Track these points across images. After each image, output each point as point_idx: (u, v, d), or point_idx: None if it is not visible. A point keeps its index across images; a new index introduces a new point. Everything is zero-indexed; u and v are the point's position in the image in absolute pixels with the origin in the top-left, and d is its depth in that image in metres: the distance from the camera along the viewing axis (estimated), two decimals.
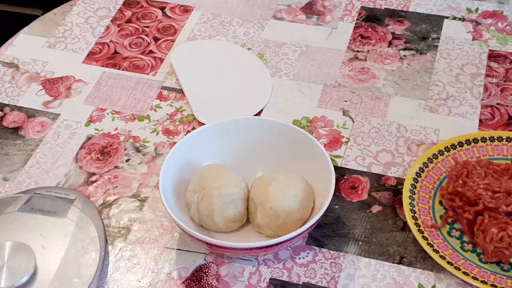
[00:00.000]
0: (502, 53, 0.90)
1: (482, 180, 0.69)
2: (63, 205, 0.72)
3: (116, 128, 0.83)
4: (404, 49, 0.91)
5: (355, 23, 0.96)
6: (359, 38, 0.94)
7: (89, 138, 0.83)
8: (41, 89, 0.89)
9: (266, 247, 0.65)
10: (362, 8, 0.98)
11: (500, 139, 0.77)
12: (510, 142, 0.77)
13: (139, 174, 0.78)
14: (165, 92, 0.87)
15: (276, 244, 0.65)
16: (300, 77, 0.89)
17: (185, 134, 0.81)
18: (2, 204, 0.72)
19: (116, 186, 0.77)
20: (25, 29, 0.98)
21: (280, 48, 0.93)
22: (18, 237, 0.69)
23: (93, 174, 0.79)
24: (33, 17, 1.01)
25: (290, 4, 0.99)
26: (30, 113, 0.86)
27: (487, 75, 0.88)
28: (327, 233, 0.72)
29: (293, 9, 0.98)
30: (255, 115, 0.83)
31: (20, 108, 0.86)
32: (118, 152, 0.81)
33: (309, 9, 0.98)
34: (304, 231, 0.66)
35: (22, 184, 0.78)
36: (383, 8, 0.97)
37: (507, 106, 0.84)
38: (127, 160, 0.80)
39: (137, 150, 0.81)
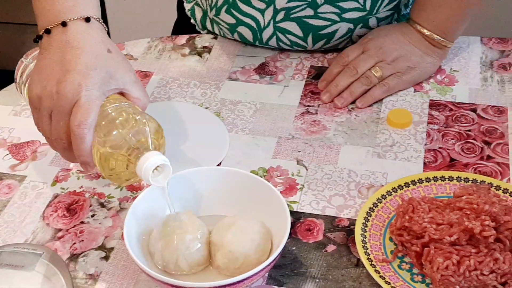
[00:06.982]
0: (441, 102, 0.97)
1: (426, 215, 0.74)
2: (31, 259, 0.75)
3: (81, 186, 0.87)
4: (352, 102, 0.98)
5: (306, 81, 1.02)
6: (310, 94, 1.00)
7: (55, 196, 0.86)
8: (8, 154, 0.92)
9: (229, 285, 0.68)
10: (312, 67, 1.05)
11: (443, 178, 0.83)
12: (452, 181, 0.83)
13: (105, 228, 0.82)
14: None
15: (237, 282, 0.68)
16: (256, 131, 0.94)
17: None
18: None
19: (83, 240, 0.80)
20: None
21: (236, 106, 0.98)
22: None
23: (60, 230, 0.82)
24: None
25: (244, 66, 1.05)
26: None
27: (429, 122, 0.94)
28: (286, 272, 0.76)
29: (247, 70, 1.05)
30: None
31: None
32: (83, 209, 0.84)
33: (262, 70, 1.05)
34: (261, 270, 0.69)
35: None
36: None
37: (448, 149, 0.90)
38: (93, 215, 0.83)
39: (102, 205, 0.85)
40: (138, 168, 0.72)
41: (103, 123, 0.74)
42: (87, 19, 0.79)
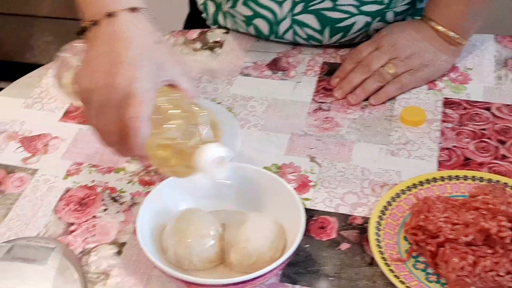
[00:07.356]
0: (456, 100, 0.97)
1: (442, 214, 0.74)
2: (44, 253, 0.74)
3: (93, 180, 0.87)
4: (365, 99, 0.97)
5: (318, 77, 1.02)
6: (323, 90, 0.99)
7: (67, 190, 0.86)
8: (20, 146, 0.92)
9: (244, 282, 0.68)
10: (324, 63, 1.04)
11: (457, 177, 0.83)
12: (467, 180, 0.82)
13: (117, 222, 0.81)
14: None
15: (253, 279, 0.68)
16: (268, 128, 0.94)
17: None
18: None
19: (95, 235, 0.80)
20: (3, 91, 1.01)
21: (248, 101, 0.98)
22: (0, 285, 0.71)
23: (72, 224, 0.81)
24: None
25: (256, 62, 1.05)
26: (9, 169, 0.89)
27: (443, 121, 0.94)
28: (299, 270, 0.75)
29: (259, 66, 1.04)
30: None
31: None
32: (95, 203, 0.84)
33: (274, 66, 1.04)
34: (276, 267, 0.69)
35: (3, 237, 0.80)
36: None
37: (462, 148, 0.89)
38: (105, 210, 0.83)
39: (114, 200, 0.84)
40: (196, 161, 0.70)
41: (157, 115, 0.72)
42: (134, 9, 0.77)
